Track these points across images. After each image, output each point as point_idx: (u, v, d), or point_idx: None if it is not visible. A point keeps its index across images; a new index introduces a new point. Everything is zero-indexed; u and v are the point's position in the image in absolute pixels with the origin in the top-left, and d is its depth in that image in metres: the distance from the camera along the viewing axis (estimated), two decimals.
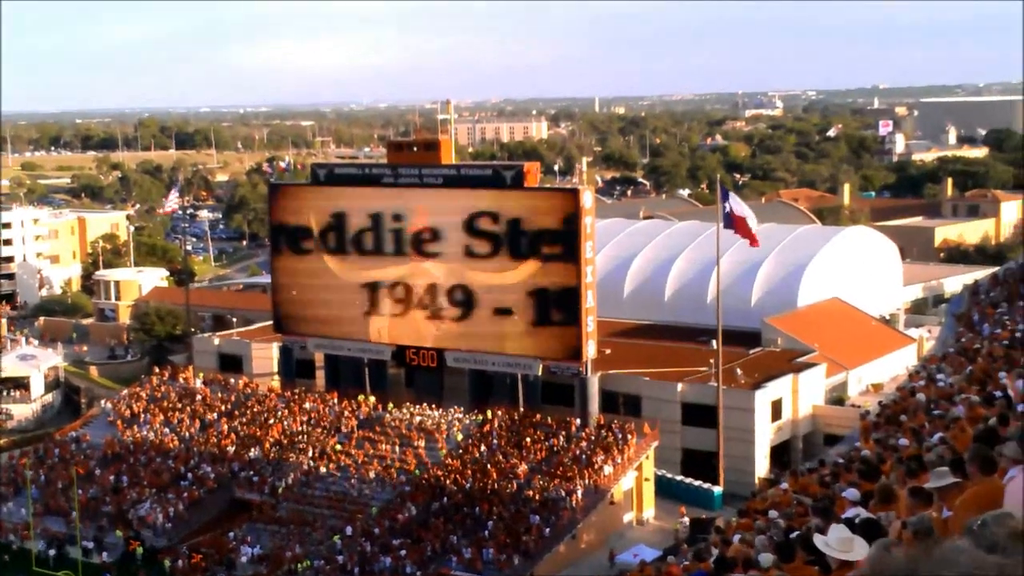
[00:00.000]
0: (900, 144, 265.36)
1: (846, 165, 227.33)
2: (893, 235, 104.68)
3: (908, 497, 11.83)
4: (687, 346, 78.92)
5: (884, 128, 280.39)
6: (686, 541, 56.45)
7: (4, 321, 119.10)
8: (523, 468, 64.71)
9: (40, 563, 62.12)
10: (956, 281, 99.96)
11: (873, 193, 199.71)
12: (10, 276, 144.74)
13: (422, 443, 69.80)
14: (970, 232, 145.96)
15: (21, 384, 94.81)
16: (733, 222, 67.49)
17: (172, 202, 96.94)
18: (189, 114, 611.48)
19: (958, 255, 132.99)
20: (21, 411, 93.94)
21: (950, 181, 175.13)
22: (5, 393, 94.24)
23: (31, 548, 63.72)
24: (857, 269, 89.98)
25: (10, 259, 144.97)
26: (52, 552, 64.64)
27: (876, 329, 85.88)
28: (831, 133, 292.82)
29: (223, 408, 78.32)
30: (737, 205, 67.85)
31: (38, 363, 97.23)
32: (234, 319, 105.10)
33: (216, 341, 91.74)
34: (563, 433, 67.31)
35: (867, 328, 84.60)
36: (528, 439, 67.37)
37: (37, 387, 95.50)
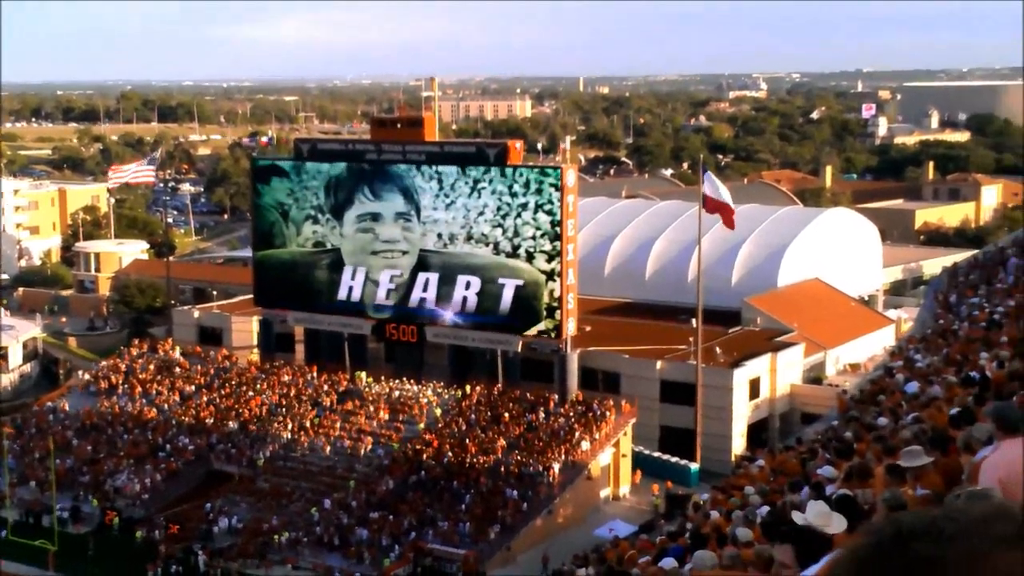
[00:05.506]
0: (883, 127, 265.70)
1: (828, 147, 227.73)
2: (874, 217, 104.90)
3: (884, 475, 11.95)
4: (667, 324, 79.07)
5: (867, 111, 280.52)
6: (663, 517, 56.81)
7: None
8: (501, 443, 64.88)
9: (16, 531, 61.95)
10: (935, 264, 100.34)
11: (855, 175, 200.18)
12: None
13: (401, 417, 69.90)
14: (950, 215, 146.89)
15: None
16: (706, 202, 67.84)
17: (142, 172, 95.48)
18: (172, 87, 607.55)
19: (938, 238, 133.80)
20: None
21: (931, 164, 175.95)
22: None
23: (7, 517, 63.53)
24: (837, 250, 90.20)
25: None
26: (29, 521, 64.58)
27: (855, 310, 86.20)
28: (814, 116, 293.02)
29: (202, 380, 78.21)
30: (712, 187, 68.01)
31: (16, 334, 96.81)
32: (214, 292, 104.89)
33: (196, 314, 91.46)
34: (541, 409, 67.49)
35: (846, 309, 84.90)
36: (506, 414, 67.54)
37: (15, 357, 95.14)
